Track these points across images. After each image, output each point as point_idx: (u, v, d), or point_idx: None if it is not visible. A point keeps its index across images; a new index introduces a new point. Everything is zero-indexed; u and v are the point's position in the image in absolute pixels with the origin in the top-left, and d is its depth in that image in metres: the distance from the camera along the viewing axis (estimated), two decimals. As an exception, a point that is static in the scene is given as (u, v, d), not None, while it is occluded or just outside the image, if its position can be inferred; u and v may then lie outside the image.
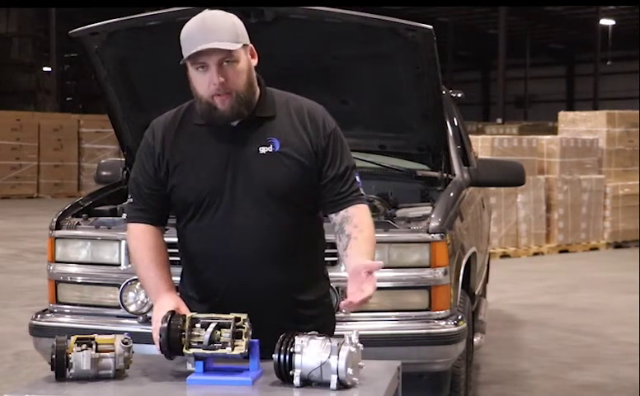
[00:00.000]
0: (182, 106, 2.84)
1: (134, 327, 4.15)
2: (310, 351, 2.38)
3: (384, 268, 4.19)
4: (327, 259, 4.11)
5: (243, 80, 2.68)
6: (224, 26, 2.65)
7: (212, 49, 2.61)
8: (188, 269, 2.90)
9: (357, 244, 2.73)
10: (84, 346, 2.50)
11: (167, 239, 2.86)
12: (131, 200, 2.85)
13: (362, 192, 2.84)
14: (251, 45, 2.74)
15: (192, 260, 2.85)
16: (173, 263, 2.86)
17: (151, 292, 2.78)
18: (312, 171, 2.76)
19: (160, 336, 2.51)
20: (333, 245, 4.13)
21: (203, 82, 2.66)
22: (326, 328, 2.62)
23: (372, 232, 2.80)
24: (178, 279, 2.94)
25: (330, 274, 4.10)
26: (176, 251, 2.90)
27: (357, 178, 2.84)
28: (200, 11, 3.97)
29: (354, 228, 2.76)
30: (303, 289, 2.79)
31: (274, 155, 2.73)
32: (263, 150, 2.73)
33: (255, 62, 2.76)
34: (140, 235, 2.81)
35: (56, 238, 4.46)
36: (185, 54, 2.65)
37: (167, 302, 2.66)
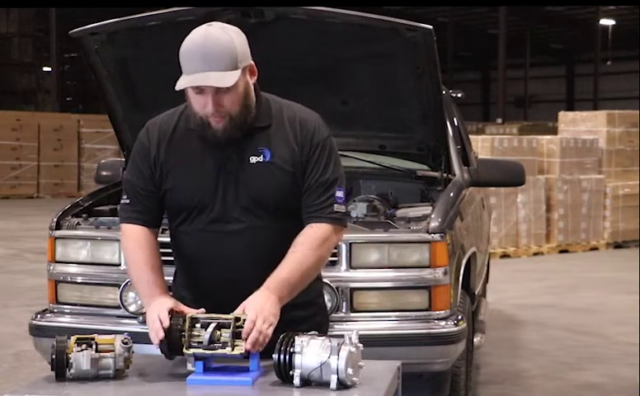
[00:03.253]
0: (178, 108, 2.83)
1: (134, 327, 4.15)
2: (310, 351, 2.39)
3: (384, 268, 4.23)
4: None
5: (239, 104, 2.66)
6: (225, 53, 2.59)
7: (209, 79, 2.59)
8: (181, 269, 2.90)
9: (281, 265, 2.66)
10: (84, 346, 2.50)
11: (160, 239, 2.85)
12: (126, 200, 2.83)
13: (338, 209, 2.74)
14: (251, 63, 2.70)
15: (185, 261, 2.85)
16: (166, 263, 2.85)
17: (144, 295, 2.74)
18: (300, 180, 2.74)
19: (164, 336, 2.51)
20: (333, 245, 4.16)
21: (198, 103, 2.65)
22: (319, 329, 2.61)
23: (310, 253, 2.67)
24: (171, 278, 2.95)
25: (330, 274, 4.14)
26: (170, 251, 2.90)
27: (340, 194, 2.76)
28: (199, 12, 3.97)
29: (292, 246, 2.69)
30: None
31: (264, 165, 2.72)
32: (254, 160, 2.72)
33: (254, 79, 2.73)
34: (134, 237, 2.79)
35: (56, 238, 4.46)
36: (184, 73, 2.61)
37: (163, 302, 2.64)
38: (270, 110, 2.78)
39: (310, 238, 2.70)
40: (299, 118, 2.78)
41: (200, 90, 2.62)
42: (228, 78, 2.59)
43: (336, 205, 2.74)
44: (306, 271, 2.69)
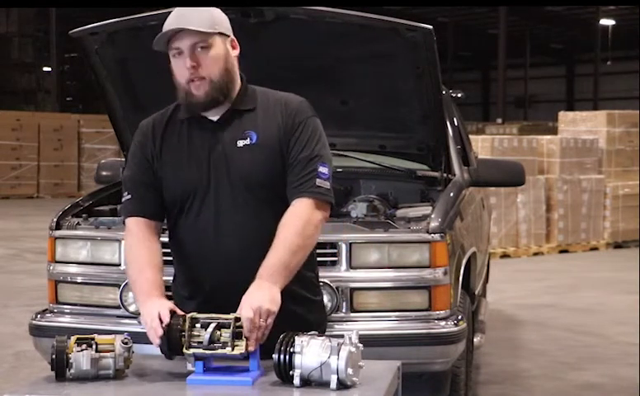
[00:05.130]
0: (170, 106, 2.88)
1: (134, 327, 4.14)
2: (310, 351, 2.38)
3: (384, 268, 4.23)
4: (326, 259, 4.14)
5: (218, 67, 2.71)
6: (198, 14, 2.71)
7: (184, 31, 2.67)
8: (179, 267, 2.91)
9: (269, 251, 2.64)
10: (84, 346, 2.50)
11: (160, 239, 2.86)
12: (128, 196, 2.84)
13: (320, 184, 2.73)
14: (232, 37, 2.78)
15: (183, 257, 2.86)
16: (166, 263, 2.85)
17: (142, 291, 2.71)
18: (286, 160, 2.77)
19: (164, 334, 2.51)
20: (333, 245, 4.17)
21: (178, 68, 2.72)
22: (317, 328, 2.61)
23: (293, 232, 2.66)
24: (170, 278, 2.95)
25: (330, 274, 4.14)
26: (169, 251, 2.90)
27: (323, 170, 2.74)
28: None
29: (277, 230, 2.68)
30: (290, 284, 2.71)
31: (250, 148, 2.75)
32: (241, 143, 2.76)
33: (236, 53, 2.79)
34: (138, 233, 2.79)
35: (56, 238, 4.46)
36: (160, 40, 2.71)
37: (160, 302, 2.62)
38: (255, 95, 2.83)
39: (292, 216, 2.70)
40: (284, 100, 2.83)
41: (178, 52, 2.70)
42: (202, 28, 2.67)
43: (318, 180, 2.73)
44: (295, 251, 2.66)
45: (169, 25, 2.70)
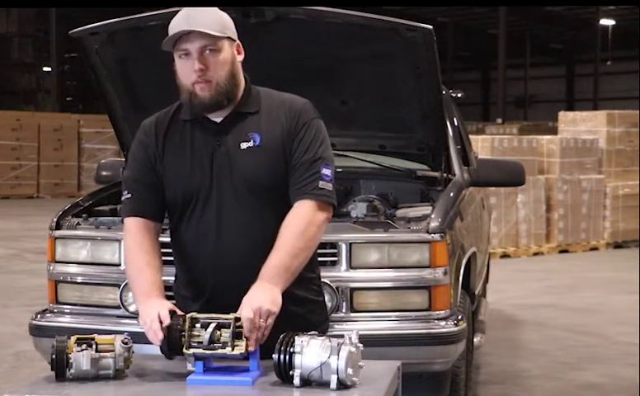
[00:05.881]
0: (173, 105, 2.87)
1: (134, 327, 4.13)
2: (310, 351, 2.39)
3: (384, 268, 4.23)
4: (326, 259, 4.14)
5: (225, 71, 2.71)
6: (208, 16, 2.69)
7: (194, 33, 2.65)
8: (180, 267, 2.90)
9: (271, 252, 2.65)
10: (84, 346, 2.50)
11: (160, 239, 2.85)
12: (128, 195, 2.83)
13: (323, 187, 2.73)
14: (238, 41, 2.77)
15: (184, 258, 2.86)
16: (166, 263, 2.85)
17: (141, 292, 2.70)
18: (290, 162, 2.76)
19: (164, 337, 2.51)
20: (333, 245, 4.17)
21: (185, 70, 2.70)
22: (317, 326, 2.61)
23: (296, 233, 2.66)
24: (170, 278, 2.95)
25: (330, 274, 4.14)
26: (170, 251, 2.90)
27: (326, 171, 2.75)
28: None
29: (280, 231, 2.68)
30: (291, 285, 2.71)
31: (254, 150, 2.75)
32: (244, 145, 2.75)
33: (241, 58, 2.79)
34: (137, 234, 2.78)
35: (56, 238, 4.46)
36: (169, 41, 2.69)
37: (160, 302, 2.61)
38: (259, 97, 2.83)
39: (294, 218, 2.70)
40: (288, 102, 2.82)
41: (186, 54, 2.68)
42: (211, 32, 2.66)
43: (321, 182, 2.73)
44: (296, 253, 2.66)
45: (178, 25, 2.68)
